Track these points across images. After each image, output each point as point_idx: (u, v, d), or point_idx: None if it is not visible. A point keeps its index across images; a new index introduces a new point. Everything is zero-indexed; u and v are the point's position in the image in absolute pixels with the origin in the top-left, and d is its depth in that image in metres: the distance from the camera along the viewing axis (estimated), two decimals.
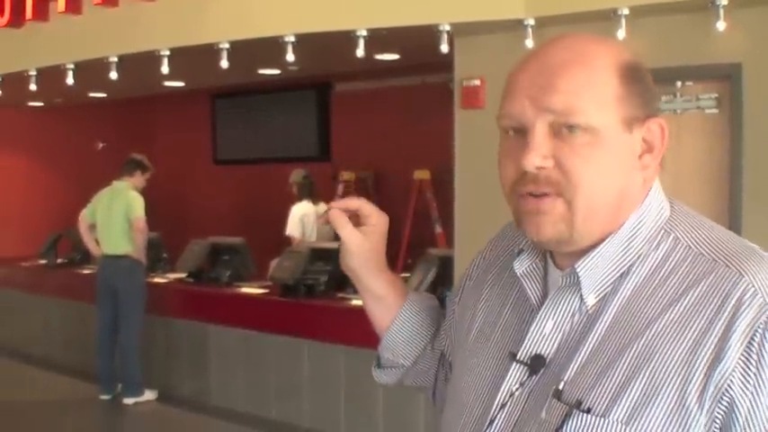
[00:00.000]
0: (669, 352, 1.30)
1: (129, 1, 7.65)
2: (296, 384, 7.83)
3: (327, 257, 8.14)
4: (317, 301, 7.85)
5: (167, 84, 10.51)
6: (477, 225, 5.47)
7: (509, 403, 1.44)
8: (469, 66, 6.65)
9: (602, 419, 1.31)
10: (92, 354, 9.11)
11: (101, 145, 13.11)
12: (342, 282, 8.13)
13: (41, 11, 8.48)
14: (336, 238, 1.79)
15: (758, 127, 5.53)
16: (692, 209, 1.48)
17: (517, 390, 1.44)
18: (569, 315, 1.43)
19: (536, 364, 1.43)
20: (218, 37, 7.28)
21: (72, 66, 8.43)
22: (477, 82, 6.58)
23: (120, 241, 8.70)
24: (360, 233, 1.74)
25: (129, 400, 8.69)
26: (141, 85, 10.52)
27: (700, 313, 1.30)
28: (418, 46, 7.14)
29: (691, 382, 1.27)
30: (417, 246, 8.93)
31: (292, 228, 9.32)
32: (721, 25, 5.40)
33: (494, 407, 1.46)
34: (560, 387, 1.37)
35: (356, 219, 1.74)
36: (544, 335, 1.45)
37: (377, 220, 1.75)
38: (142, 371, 8.74)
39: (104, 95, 11.77)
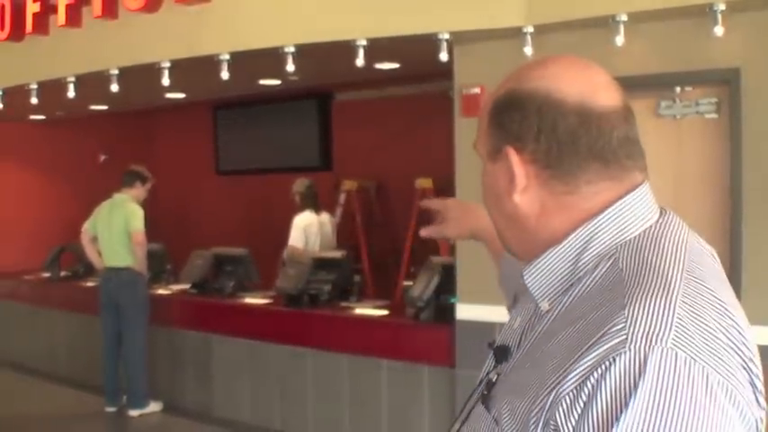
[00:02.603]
0: (542, 368, 1.29)
1: (129, 13, 7.67)
2: (300, 394, 7.84)
3: (330, 267, 8.16)
4: (320, 311, 7.87)
5: (168, 96, 10.52)
6: None
7: (482, 385, 1.57)
8: (469, 74, 6.66)
9: (487, 413, 1.45)
10: (96, 366, 9.12)
11: (103, 158, 13.12)
12: (345, 291, 8.16)
13: (42, 24, 8.50)
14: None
15: (757, 131, 5.54)
16: (684, 225, 1.47)
17: (491, 374, 1.54)
18: (529, 316, 1.51)
19: (500, 354, 1.53)
20: (218, 48, 7.30)
21: (73, 79, 8.45)
22: (477, 90, 6.59)
23: (121, 254, 8.71)
24: (449, 225, 2.42)
25: (134, 412, 8.70)
26: (142, 97, 10.54)
27: (580, 337, 1.26)
28: (418, 55, 7.15)
29: (537, 401, 1.26)
30: (420, 254, 8.94)
31: (295, 238, 9.32)
32: (719, 30, 5.42)
33: (476, 384, 1.60)
34: (493, 379, 1.49)
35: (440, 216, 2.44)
36: (513, 329, 1.56)
37: (437, 206, 2.47)
38: (147, 383, 8.75)
39: (105, 108, 11.77)
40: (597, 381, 1.17)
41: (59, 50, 8.49)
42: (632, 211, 1.42)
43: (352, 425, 7.49)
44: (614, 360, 1.17)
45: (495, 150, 1.48)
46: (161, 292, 9.39)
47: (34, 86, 8.90)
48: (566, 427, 1.19)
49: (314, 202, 9.56)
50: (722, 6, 5.38)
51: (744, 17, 5.50)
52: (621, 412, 1.13)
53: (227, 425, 8.30)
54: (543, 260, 1.44)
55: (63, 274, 10.97)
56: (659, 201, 1.48)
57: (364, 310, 7.74)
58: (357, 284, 8.33)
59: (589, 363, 1.19)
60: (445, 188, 7.88)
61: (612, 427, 1.13)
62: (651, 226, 1.42)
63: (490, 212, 1.56)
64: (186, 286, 9.36)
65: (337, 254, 8.51)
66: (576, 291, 1.39)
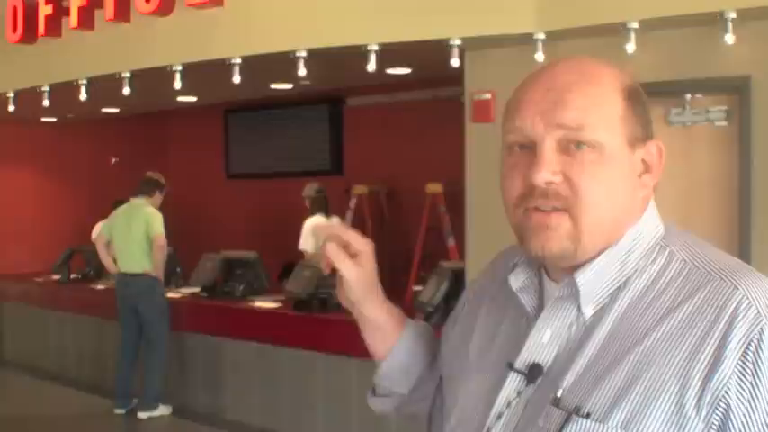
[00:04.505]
0: (667, 360, 1.33)
1: (141, 16, 7.69)
2: (310, 398, 7.84)
3: None
4: (330, 315, 7.86)
5: (180, 99, 10.56)
6: (489, 238, 5.48)
7: (506, 413, 1.47)
8: (480, 80, 6.67)
9: (601, 424, 1.34)
10: (105, 368, 9.14)
11: (114, 160, 13.16)
12: None
13: (54, 27, 8.52)
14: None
15: (767, 138, 5.54)
16: (684, 229, 1.53)
17: (515, 399, 1.47)
18: (567, 325, 1.46)
19: (533, 372, 1.46)
20: (230, 52, 7.31)
21: (85, 81, 8.48)
22: (488, 96, 6.60)
23: (139, 259, 8.72)
24: (356, 265, 1.77)
25: (143, 415, 8.70)
26: (154, 100, 10.57)
27: (696, 323, 1.34)
28: (429, 60, 7.16)
29: (689, 389, 1.30)
30: (430, 259, 8.95)
31: (305, 242, 9.33)
32: (730, 38, 5.42)
33: (490, 417, 1.48)
34: (558, 394, 1.40)
35: (348, 251, 1.79)
36: (542, 344, 1.47)
37: (363, 246, 1.80)
38: (162, 387, 8.75)
39: (117, 111, 11.81)
40: (755, 352, 1.30)
41: (72, 53, 8.51)
42: (655, 211, 1.52)
43: (361, 429, 7.49)
44: (762, 330, 1.31)
45: (637, 139, 1.46)
46: (171, 295, 9.37)
47: (46, 89, 8.93)
48: (740, 400, 1.30)
49: (324, 206, 9.57)
50: (733, 14, 5.38)
51: (754, 25, 5.50)
52: None
53: (237, 428, 8.30)
54: (598, 263, 1.44)
55: (73, 276, 10.99)
56: (669, 208, 1.52)
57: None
58: None
59: (737, 340, 1.31)
60: (456, 193, 7.89)
61: None
62: (665, 225, 1.52)
63: (602, 206, 1.42)
64: (196, 290, 9.37)
65: None
66: (638, 284, 1.43)
